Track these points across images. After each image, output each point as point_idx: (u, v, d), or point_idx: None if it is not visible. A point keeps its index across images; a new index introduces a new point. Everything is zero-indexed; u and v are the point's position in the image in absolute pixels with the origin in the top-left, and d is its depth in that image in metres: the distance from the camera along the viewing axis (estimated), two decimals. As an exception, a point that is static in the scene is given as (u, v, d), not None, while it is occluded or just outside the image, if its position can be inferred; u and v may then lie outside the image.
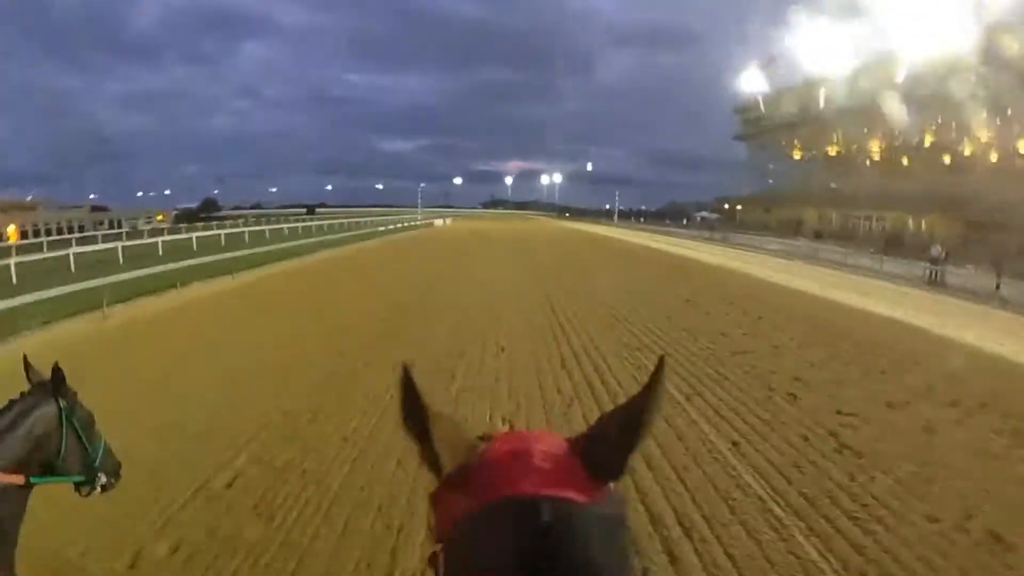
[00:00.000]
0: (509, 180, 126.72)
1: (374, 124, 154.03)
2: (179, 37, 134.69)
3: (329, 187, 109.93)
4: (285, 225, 48.03)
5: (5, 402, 2.30)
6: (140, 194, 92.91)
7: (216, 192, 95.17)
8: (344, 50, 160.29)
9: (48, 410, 2.34)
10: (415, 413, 0.74)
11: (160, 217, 75.05)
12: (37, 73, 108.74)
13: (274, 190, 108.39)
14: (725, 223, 61.68)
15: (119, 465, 2.66)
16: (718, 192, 79.80)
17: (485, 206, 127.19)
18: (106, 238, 37.23)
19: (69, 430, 2.38)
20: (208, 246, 29.02)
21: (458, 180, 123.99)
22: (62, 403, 2.36)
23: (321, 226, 49.50)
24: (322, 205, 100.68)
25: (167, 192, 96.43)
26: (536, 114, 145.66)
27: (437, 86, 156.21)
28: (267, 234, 42.15)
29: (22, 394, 2.34)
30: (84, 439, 2.44)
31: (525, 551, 0.63)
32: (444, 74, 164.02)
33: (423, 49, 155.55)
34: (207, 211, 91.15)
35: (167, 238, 31.61)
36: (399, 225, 54.85)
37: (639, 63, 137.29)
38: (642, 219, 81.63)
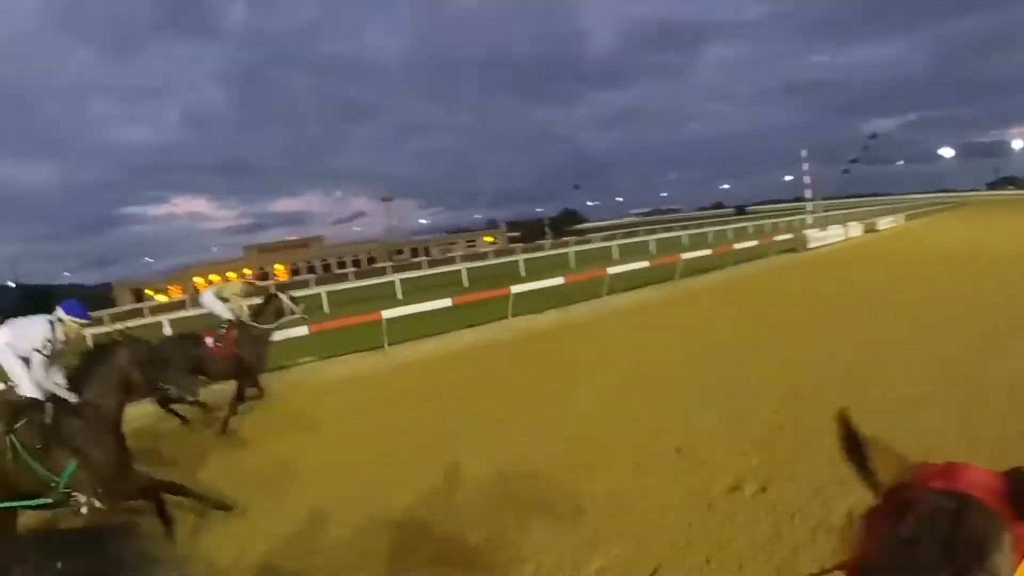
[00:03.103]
0: (1018, 147, 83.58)
1: (851, 105, 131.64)
2: (638, 56, 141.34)
3: (789, 177, 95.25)
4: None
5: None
6: (592, 202, 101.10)
7: (664, 195, 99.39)
8: (806, 33, 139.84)
9: None
10: (855, 448, 0.89)
11: (489, 239, 61.41)
12: (520, 112, 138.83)
13: (727, 186, 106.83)
14: None
15: (98, 485, 3.64)
16: None
17: (991, 187, 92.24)
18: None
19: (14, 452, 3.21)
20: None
21: (947, 152, 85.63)
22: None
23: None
24: (798, 199, 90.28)
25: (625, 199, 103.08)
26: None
27: (911, 50, 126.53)
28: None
29: None
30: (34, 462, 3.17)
31: (925, 531, 0.74)
32: (916, 34, 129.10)
33: (887, 11, 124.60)
34: (566, 225, 74.98)
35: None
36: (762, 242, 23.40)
37: None
38: None
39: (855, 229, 30.47)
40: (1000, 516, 0.72)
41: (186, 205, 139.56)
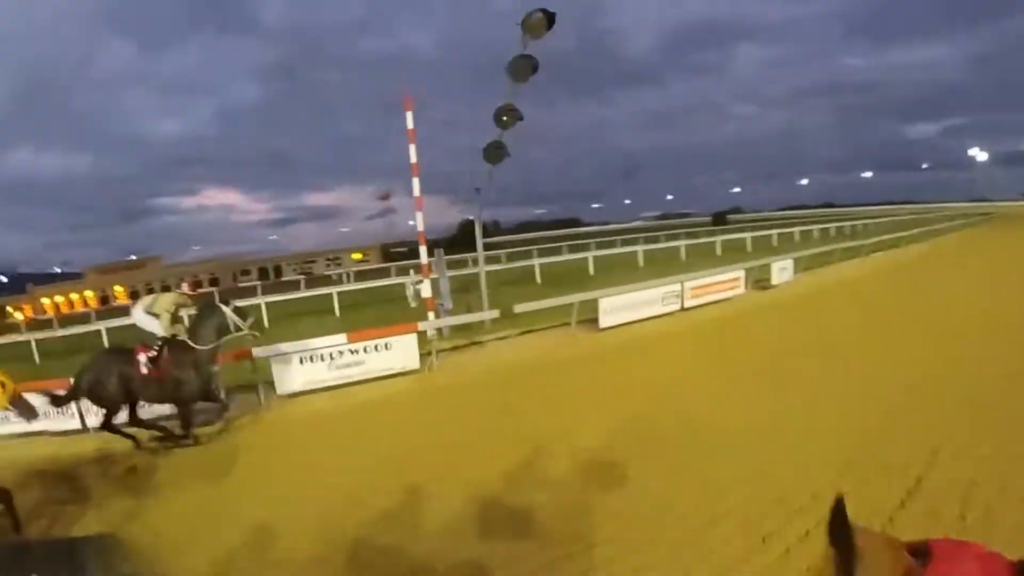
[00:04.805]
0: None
1: (885, 109, 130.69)
2: (675, 56, 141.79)
3: (805, 181, 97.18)
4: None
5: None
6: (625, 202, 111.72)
7: (670, 198, 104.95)
8: (842, 35, 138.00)
9: None
10: (841, 535, 0.76)
11: (357, 256, 62.29)
12: (556, 109, 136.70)
13: (736, 190, 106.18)
14: None
15: None
16: None
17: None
18: None
19: None
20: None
21: (978, 153, 78.39)
22: None
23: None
24: (828, 205, 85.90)
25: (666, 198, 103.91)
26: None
27: (953, 53, 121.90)
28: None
29: None
30: None
31: None
32: (959, 38, 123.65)
33: (928, 14, 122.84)
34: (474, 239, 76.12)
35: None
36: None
37: None
38: None
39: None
40: None
41: (218, 197, 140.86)
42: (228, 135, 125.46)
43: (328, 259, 59.80)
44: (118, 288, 48.38)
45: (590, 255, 27.48)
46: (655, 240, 37.19)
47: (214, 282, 49.92)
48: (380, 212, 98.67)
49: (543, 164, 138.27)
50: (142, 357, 7.51)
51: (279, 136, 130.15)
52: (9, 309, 48.61)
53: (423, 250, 13.33)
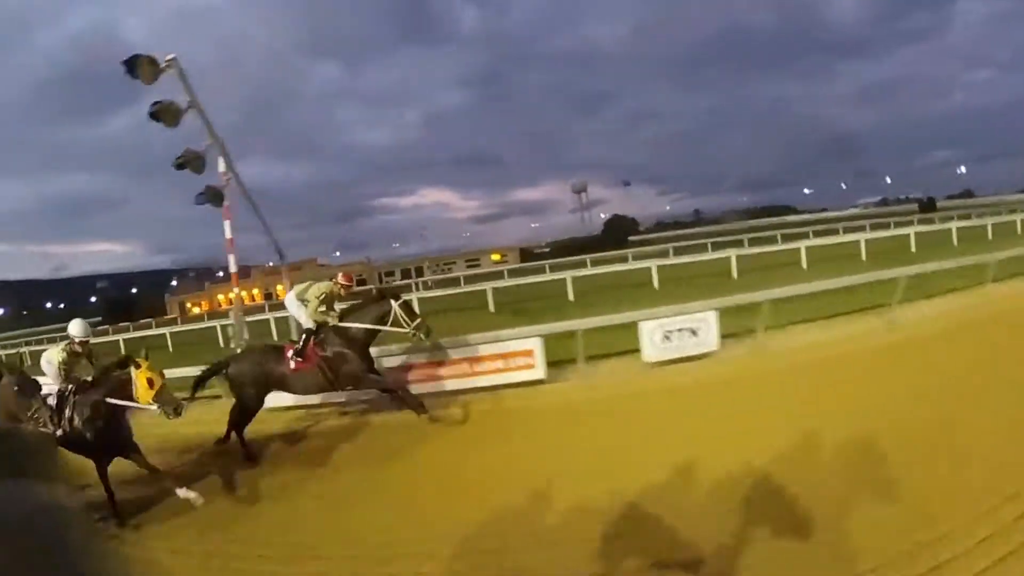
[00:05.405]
0: None
1: None
2: (887, 20, 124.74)
3: None
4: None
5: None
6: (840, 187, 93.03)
7: (888, 181, 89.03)
8: None
9: None
10: None
11: (496, 257, 60.15)
12: (760, 89, 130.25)
13: (961, 170, 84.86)
14: None
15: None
16: None
17: None
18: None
19: None
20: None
21: None
22: None
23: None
24: None
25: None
26: None
27: None
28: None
29: None
30: None
31: None
32: None
33: None
34: (621, 234, 72.62)
35: None
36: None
37: None
38: None
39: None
40: None
41: (432, 196, 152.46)
42: (436, 139, 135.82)
43: (467, 261, 59.74)
44: (279, 287, 51.58)
45: (568, 274, 20.26)
46: (826, 234, 29.42)
47: (361, 283, 51.77)
48: (579, 206, 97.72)
49: (752, 147, 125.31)
50: (289, 353, 7.67)
51: (483, 137, 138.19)
52: (190, 304, 54.12)
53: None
